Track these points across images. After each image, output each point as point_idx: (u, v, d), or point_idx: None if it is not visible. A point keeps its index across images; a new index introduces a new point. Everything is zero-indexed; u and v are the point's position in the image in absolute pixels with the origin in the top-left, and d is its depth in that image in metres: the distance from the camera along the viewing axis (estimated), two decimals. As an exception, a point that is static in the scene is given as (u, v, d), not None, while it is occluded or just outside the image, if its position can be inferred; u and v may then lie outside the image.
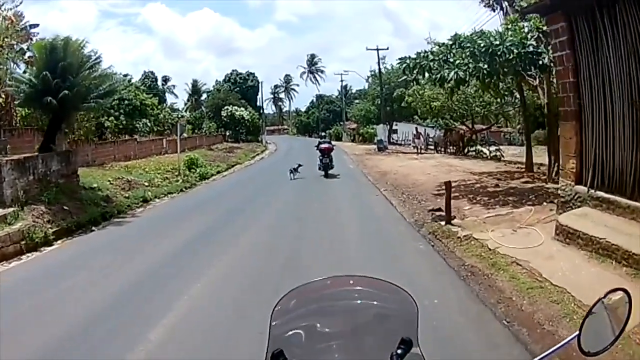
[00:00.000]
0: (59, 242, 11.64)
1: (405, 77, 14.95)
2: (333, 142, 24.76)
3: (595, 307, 1.51)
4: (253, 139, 63.65)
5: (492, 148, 30.42)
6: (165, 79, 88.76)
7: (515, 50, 12.96)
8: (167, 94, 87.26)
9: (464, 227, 9.59)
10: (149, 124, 42.64)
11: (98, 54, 15.24)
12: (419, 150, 32.81)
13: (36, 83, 14.36)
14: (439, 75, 12.75)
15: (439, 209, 11.91)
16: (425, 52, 14.06)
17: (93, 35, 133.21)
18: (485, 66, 12.49)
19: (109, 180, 18.41)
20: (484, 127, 34.56)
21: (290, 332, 1.59)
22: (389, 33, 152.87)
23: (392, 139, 48.67)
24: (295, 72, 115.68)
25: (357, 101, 74.72)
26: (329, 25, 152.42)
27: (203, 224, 12.26)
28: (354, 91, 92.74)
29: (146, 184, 19.94)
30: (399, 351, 1.47)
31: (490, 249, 7.91)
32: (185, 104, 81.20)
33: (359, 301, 1.69)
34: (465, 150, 32.11)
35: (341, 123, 75.79)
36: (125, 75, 52.76)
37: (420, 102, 30.97)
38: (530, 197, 13.09)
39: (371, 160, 29.43)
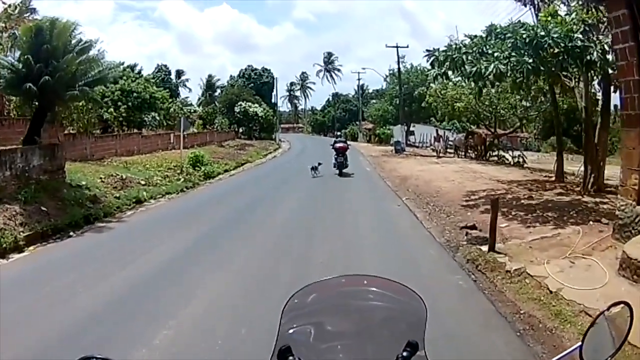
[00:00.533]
0: (31, 248, 10.09)
1: (432, 71, 13.13)
2: (348, 142, 24.42)
3: (597, 320, 1.52)
4: (267, 136, 62.06)
5: (516, 153, 28.37)
6: (179, 73, 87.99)
7: (562, 44, 11.12)
8: (180, 88, 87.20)
9: (510, 256, 7.75)
10: (157, 117, 41.38)
11: (91, 40, 13.64)
12: (438, 154, 30.89)
13: (19, 68, 12.84)
14: (474, 69, 10.92)
15: (473, 227, 10.13)
16: (457, 44, 12.25)
17: (109, 28, 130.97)
18: (530, 60, 10.63)
19: (101, 178, 16.86)
20: (505, 131, 32.49)
21: (299, 329, 1.59)
22: (406, 34, 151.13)
23: (409, 140, 46.79)
24: (311, 70, 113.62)
25: (373, 101, 72.80)
26: (347, 24, 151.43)
27: (192, 238, 10.47)
28: (370, 91, 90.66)
29: (142, 182, 18.36)
30: (405, 354, 1.46)
31: (550, 291, 6.09)
32: (199, 99, 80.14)
33: (370, 302, 1.68)
34: (487, 155, 30.12)
35: (357, 123, 73.84)
36: (133, 66, 51.91)
37: (442, 103, 29.07)
38: (571, 213, 11.34)
39: (389, 163, 27.62)
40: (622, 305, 1.55)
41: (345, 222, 11.99)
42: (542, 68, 11.33)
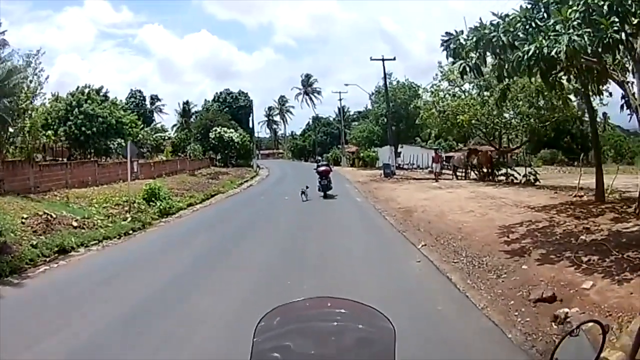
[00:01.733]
0: None
1: (454, 65, 9.44)
2: (331, 167, 24.11)
3: (565, 340, 1.53)
4: (244, 163, 58.06)
5: (529, 170, 24.67)
6: (153, 99, 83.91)
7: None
8: (156, 114, 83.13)
9: None
10: (124, 144, 37.41)
11: None
12: (437, 177, 27.12)
13: None
14: (531, 49, 7.15)
15: (552, 298, 6.23)
16: (491, 22, 8.51)
17: (90, 55, 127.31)
18: (614, 29, 6.91)
19: (23, 217, 13.01)
20: (510, 147, 28.96)
21: (270, 350, 1.59)
22: (387, 55, 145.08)
23: (397, 163, 43.24)
24: (291, 94, 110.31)
25: (355, 123, 69.31)
26: (327, 48, 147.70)
27: (118, 313, 6.60)
28: (352, 113, 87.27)
29: (75, 224, 14.27)
30: None
31: None
32: (175, 126, 75.89)
33: (336, 323, 1.67)
34: (493, 175, 26.45)
35: (339, 146, 70.13)
36: (99, 89, 47.75)
37: (440, 117, 25.50)
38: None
39: (381, 190, 23.70)
40: (594, 324, 1.58)
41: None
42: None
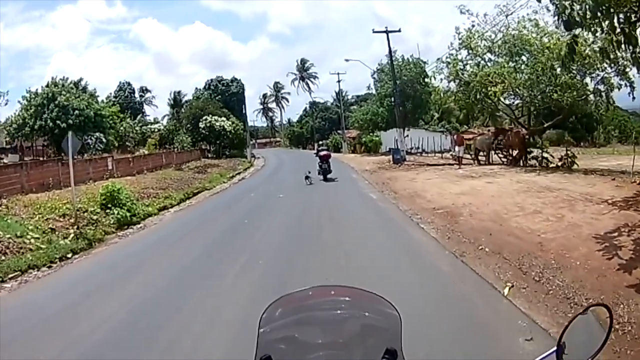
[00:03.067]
0: None
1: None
2: (331, 154, 24.70)
3: (574, 321, 1.49)
4: (238, 153, 53.95)
5: (564, 152, 20.52)
6: (144, 90, 79.56)
7: None
8: (146, 106, 79.01)
9: None
10: (104, 139, 33.22)
11: None
12: (460, 162, 23.00)
13: None
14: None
15: None
16: None
17: (85, 53, 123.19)
18: None
19: None
20: (543, 125, 24.71)
21: (276, 340, 1.57)
22: (382, 41, 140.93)
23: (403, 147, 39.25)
24: (286, 80, 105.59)
25: (354, 107, 64.88)
26: (322, 35, 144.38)
27: None
28: (350, 97, 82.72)
29: (-6, 248, 10.39)
30: None
31: None
32: (166, 117, 71.61)
33: (340, 311, 1.65)
34: (526, 158, 22.33)
35: (338, 132, 65.84)
36: (77, 82, 43.70)
37: (461, 92, 21.42)
38: None
39: (397, 180, 19.57)
40: (601, 307, 1.55)
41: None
42: None
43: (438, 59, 24.29)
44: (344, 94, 73.03)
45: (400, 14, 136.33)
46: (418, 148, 43.63)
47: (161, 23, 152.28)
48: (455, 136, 23.70)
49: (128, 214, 15.25)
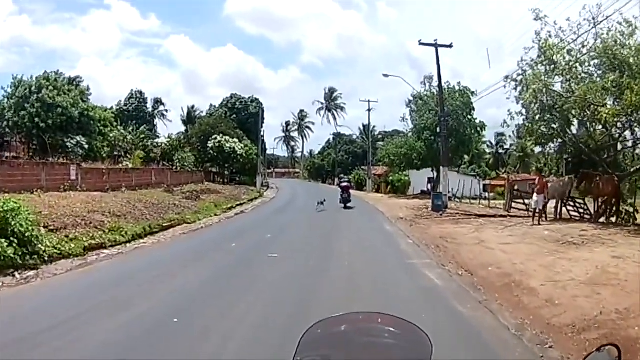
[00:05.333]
0: None
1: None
2: (353, 192, 26.86)
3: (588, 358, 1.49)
4: (248, 181, 47.86)
5: None
6: (157, 102, 74.52)
7: None
8: (157, 119, 73.95)
9: None
10: (85, 143, 28.83)
11: None
12: (540, 217, 16.08)
13: None
14: None
15: None
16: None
17: (114, 62, 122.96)
18: None
19: None
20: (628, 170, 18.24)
21: (315, 358, 1.58)
22: (413, 80, 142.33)
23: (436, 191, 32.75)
24: (312, 110, 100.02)
25: (381, 143, 58.24)
26: (354, 70, 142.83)
27: None
28: (377, 133, 75.36)
29: None
30: None
31: None
32: (180, 134, 65.91)
33: (383, 339, 1.65)
34: (616, 212, 15.89)
35: (363, 167, 59.17)
36: (74, 79, 38.51)
37: (543, 120, 15.04)
38: None
39: (455, 240, 12.85)
40: (611, 347, 1.52)
41: None
42: None
43: (506, 76, 18.17)
44: (371, 129, 66.25)
45: (431, 56, 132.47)
46: (454, 193, 37.07)
47: (193, 41, 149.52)
48: (537, 180, 16.80)
49: (20, 252, 9.13)
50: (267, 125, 60.08)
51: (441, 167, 24.29)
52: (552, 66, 16.67)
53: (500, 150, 75.94)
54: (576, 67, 16.20)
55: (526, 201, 20.04)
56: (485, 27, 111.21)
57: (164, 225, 16.48)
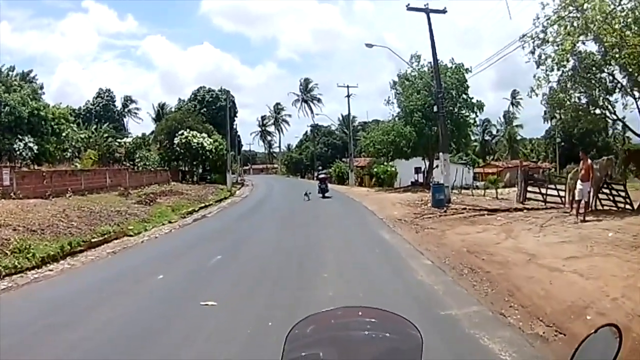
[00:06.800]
0: None
1: None
2: (335, 187, 29.77)
3: (585, 342, 1.45)
4: (220, 179, 43.65)
5: None
6: (128, 100, 69.99)
7: None
8: (129, 118, 69.76)
9: None
10: (34, 145, 26.49)
11: None
12: (579, 211, 12.25)
13: None
14: None
15: None
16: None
17: (92, 65, 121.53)
18: None
19: None
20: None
21: (300, 358, 1.53)
22: (391, 72, 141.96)
23: (429, 181, 29.04)
24: (288, 102, 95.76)
25: (361, 133, 54.12)
26: (331, 63, 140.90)
27: None
28: (356, 123, 70.85)
29: None
30: None
31: None
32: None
33: (368, 332, 1.61)
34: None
35: (343, 160, 55.06)
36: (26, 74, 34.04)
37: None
38: None
39: (492, 259, 8.70)
40: (611, 327, 1.47)
41: None
42: None
43: (524, 34, 14.58)
44: (351, 118, 61.91)
45: (409, 46, 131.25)
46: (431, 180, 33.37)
47: (170, 41, 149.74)
48: (581, 164, 12.90)
49: None
50: (244, 121, 56.87)
51: (440, 154, 20.36)
52: (581, 20, 13.12)
53: (487, 137, 72.78)
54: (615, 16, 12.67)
55: (542, 190, 16.60)
56: (463, 17, 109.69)
57: (92, 241, 12.42)
